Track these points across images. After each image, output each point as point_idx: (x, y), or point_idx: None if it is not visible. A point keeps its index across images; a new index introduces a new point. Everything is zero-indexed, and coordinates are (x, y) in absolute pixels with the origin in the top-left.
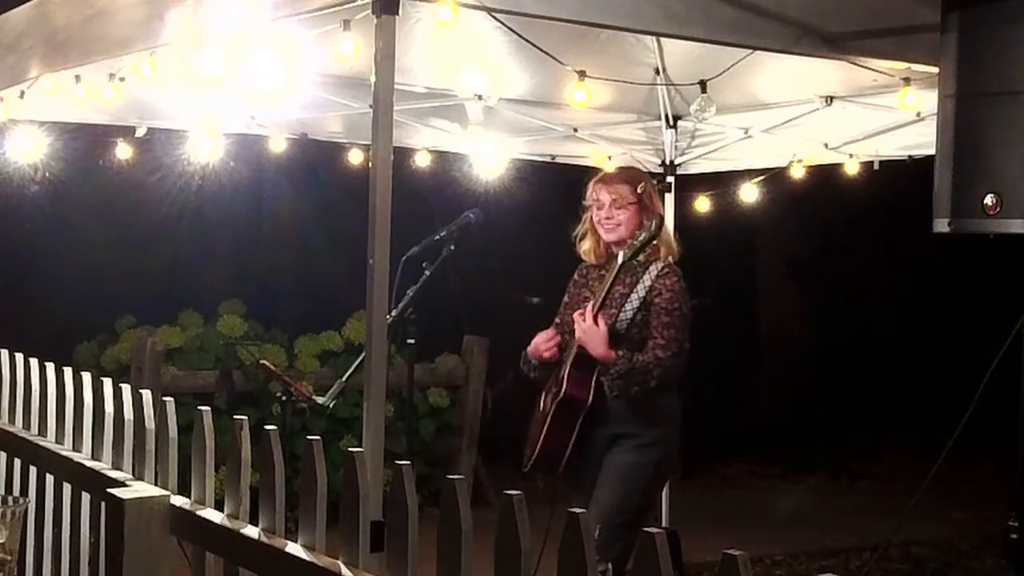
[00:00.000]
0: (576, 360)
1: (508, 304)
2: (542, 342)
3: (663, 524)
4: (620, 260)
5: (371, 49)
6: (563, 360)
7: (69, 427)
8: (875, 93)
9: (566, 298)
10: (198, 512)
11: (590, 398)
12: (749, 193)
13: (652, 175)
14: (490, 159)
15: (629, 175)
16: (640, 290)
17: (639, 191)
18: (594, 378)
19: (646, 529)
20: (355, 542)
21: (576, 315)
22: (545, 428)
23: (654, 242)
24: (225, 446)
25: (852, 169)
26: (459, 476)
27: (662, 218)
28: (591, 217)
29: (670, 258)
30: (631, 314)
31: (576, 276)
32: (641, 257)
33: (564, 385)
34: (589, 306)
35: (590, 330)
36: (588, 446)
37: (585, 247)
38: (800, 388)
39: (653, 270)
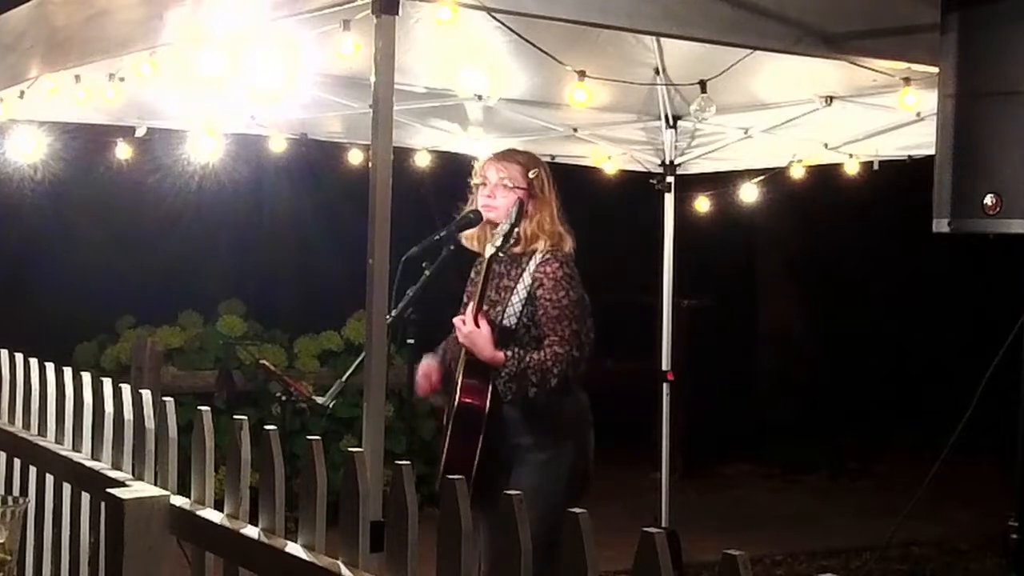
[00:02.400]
0: (467, 367)
1: None
2: (421, 378)
3: (663, 524)
4: (488, 254)
5: (371, 49)
6: (458, 367)
7: (69, 427)
8: (875, 93)
9: (465, 298)
10: (198, 512)
11: (487, 405)
12: (749, 193)
13: (652, 175)
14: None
15: (525, 157)
16: (524, 281)
17: (531, 176)
18: (490, 384)
19: (646, 529)
20: (355, 542)
21: (456, 320)
22: (447, 442)
23: (515, 231)
24: (225, 446)
25: (852, 169)
26: (459, 476)
27: (522, 203)
28: (477, 198)
29: (557, 249)
30: (518, 308)
31: (472, 274)
32: (519, 248)
33: (458, 394)
34: (469, 308)
35: (472, 334)
36: (495, 458)
37: (468, 233)
38: (800, 388)
39: (537, 259)
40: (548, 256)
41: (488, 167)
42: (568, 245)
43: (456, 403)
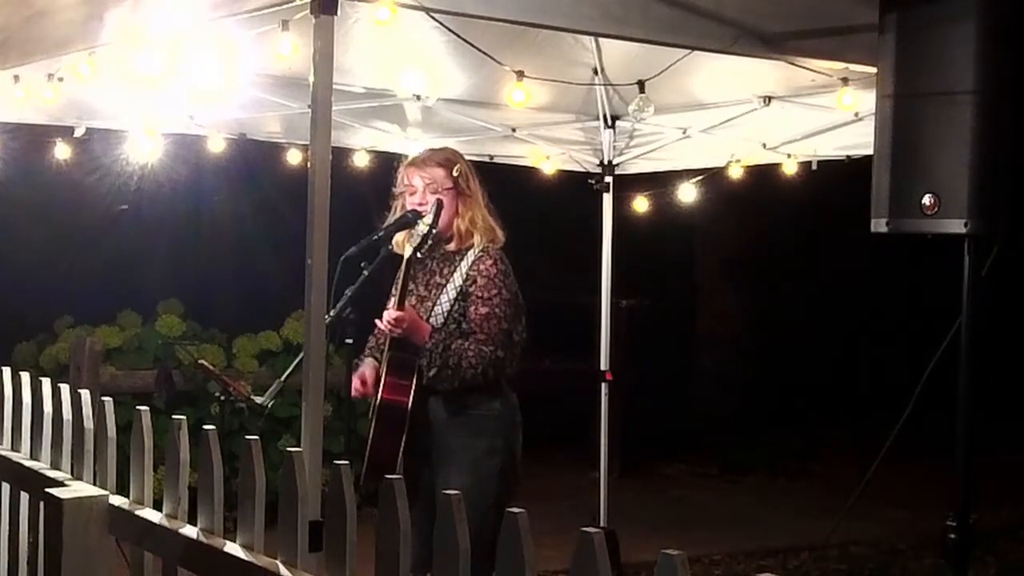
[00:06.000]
0: (390, 365)
1: None
2: (358, 383)
3: (601, 524)
4: (407, 255)
5: (309, 49)
6: (382, 365)
7: (8, 427)
8: (813, 93)
9: (390, 301)
10: (137, 512)
11: (410, 402)
12: (687, 193)
13: (590, 175)
14: None
15: (443, 157)
16: (456, 280)
17: (455, 175)
18: (413, 383)
19: (584, 529)
20: (293, 542)
21: (384, 324)
22: (371, 439)
23: (433, 232)
24: (164, 446)
25: (790, 169)
26: (397, 476)
27: (440, 205)
28: (403, 204)
29: (490, 244)
30: (447, 307)
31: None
32: (453, 246)
33: (381, 392)
34: (390, 304)
35: (403, 319)
36: (420, 456)
37: (399, 238)
38: (739, 388)
39: (470, 256)
40: (482, 254)
41: (412, 174)
42: (500, 238)
43: (379, 400)
